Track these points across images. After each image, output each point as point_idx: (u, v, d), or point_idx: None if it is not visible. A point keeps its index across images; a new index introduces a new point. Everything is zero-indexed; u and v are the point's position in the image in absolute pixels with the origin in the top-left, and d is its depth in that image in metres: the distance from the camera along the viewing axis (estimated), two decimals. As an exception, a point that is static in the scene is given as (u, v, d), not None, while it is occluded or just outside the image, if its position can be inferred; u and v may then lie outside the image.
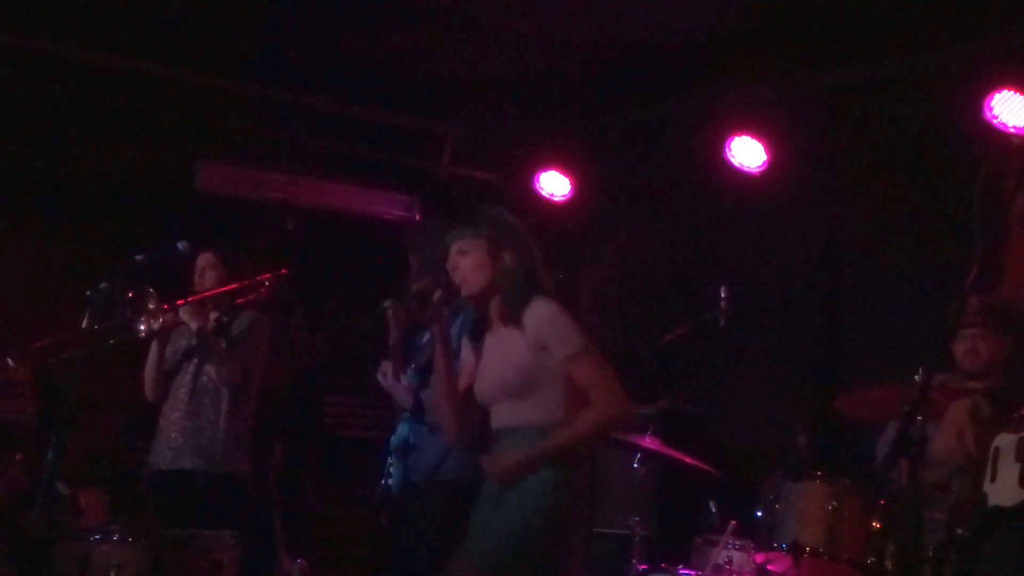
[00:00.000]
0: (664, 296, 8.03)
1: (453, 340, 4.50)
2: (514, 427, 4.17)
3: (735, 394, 7.48)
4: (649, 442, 5.99)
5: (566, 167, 8.26)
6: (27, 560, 5.26)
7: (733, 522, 5.50)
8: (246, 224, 7.61)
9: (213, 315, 5.94)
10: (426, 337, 4.92)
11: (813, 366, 7.23)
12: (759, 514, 5.62)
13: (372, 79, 7.55)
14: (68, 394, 5.26)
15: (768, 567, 5.30)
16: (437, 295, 4.30)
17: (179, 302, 5.73)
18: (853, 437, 6.40)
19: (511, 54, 7.16)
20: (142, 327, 5.17)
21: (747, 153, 7.28)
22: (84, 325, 5.31)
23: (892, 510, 5.00)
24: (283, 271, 6.03)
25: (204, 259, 5.95)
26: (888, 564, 4.92)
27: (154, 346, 5.86)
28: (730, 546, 5.49)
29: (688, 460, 5.97)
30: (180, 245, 5.62)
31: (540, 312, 4.14)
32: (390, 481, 5.23)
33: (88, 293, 5.36)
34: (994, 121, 6.25)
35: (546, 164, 8.27)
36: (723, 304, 6.04)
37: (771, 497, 5.50)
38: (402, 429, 5.18)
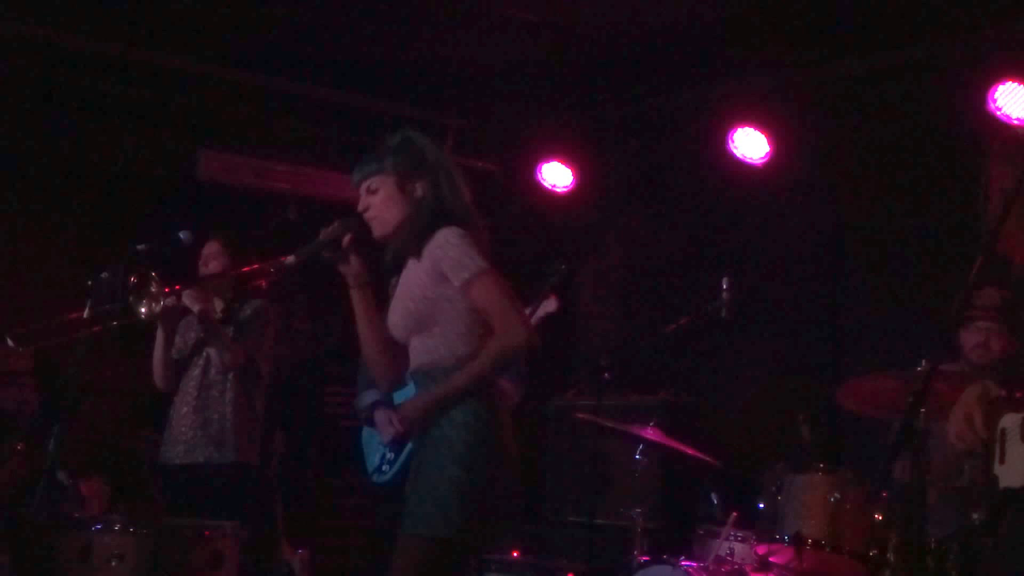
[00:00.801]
0: (666, 287, 8.03)
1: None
2: (424, 369, 3.94)
3: (737, 385, 7.48)
4: (651, 433, 5.99)
5: (568, 158, 8.26)
6: (28, 549, 5.25)
7: (735, 513, 5.48)
8: (248, 213, 7.61)
9: (219, 304, 5.94)
10: None
11: (815, 357, 7.22)
12: (761, 505, 5.59)
13: (374, 69, 7.54)
14: (69, 384, 5.25)
15: (770, 559, 5.28)
16: (347, 239, 4.06)
17: (178, 287, 5.71)
18: (855, 428, 6.41)
19: (514, 44, 7.14)
20: (143, 310, 5.15)
21: (750, 144, 7.29)
22: (85, 315, 5.31)
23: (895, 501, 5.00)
24: (285, 259, 6.01)
25: (210, 248, 5.96)
26: (891, 556, 4.91)
27: (159, 333, 5.84)
28: (732, 537, 5.47)
29: (690, 451, 5.97)
30: (182, 234, 5.60)
31: (438, 239, 3.86)
32: (386, 467, 5.23)
33: (89, 282, 5.36)
34: (998, 113, 6.25)
35: (548, 155, 8.27)
36: (725, 295, 6.01)
37: (773, 488, 5.48)
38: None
